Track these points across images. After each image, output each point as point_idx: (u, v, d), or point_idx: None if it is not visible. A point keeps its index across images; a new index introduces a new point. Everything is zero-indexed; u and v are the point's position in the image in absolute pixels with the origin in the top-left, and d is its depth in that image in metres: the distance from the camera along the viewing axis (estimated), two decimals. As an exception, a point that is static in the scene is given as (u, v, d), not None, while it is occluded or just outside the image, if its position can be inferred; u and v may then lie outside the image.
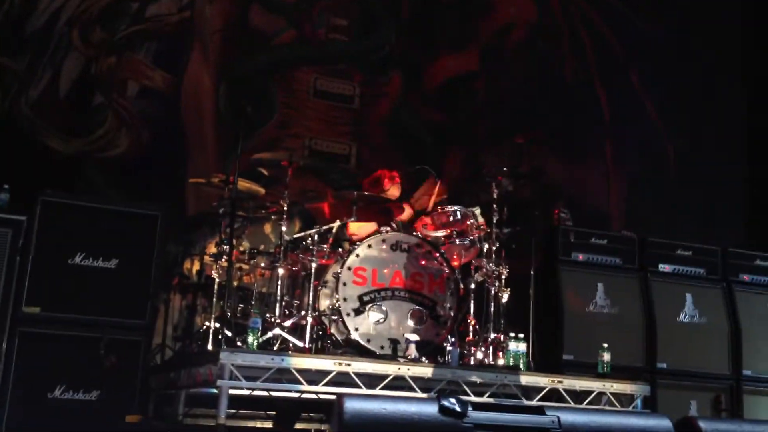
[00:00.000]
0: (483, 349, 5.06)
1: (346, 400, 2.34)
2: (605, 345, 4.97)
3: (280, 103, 6.88)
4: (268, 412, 5.45)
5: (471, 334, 5.22)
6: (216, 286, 5.17)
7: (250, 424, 5.95)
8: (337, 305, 4.70)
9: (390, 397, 2.47)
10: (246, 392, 4.31)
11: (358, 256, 4.81)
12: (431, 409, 2.42)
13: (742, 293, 6.26)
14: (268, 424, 5.81)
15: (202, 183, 5.41)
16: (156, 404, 5.27)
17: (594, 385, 4.64)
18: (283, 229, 5.01)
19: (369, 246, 4.87)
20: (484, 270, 5.27)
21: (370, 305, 4.74)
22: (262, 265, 5.38)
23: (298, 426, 5.79)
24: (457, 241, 5.18)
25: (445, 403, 2.41)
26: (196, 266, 6.27)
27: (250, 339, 4.28)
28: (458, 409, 2.41)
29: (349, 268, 4.78)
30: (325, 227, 5.13)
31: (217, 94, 6.72)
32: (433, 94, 7.41)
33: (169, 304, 6.02)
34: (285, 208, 5.00)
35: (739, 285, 6.29)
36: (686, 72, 7.93)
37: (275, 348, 4.65)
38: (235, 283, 5.34)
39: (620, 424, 2.65)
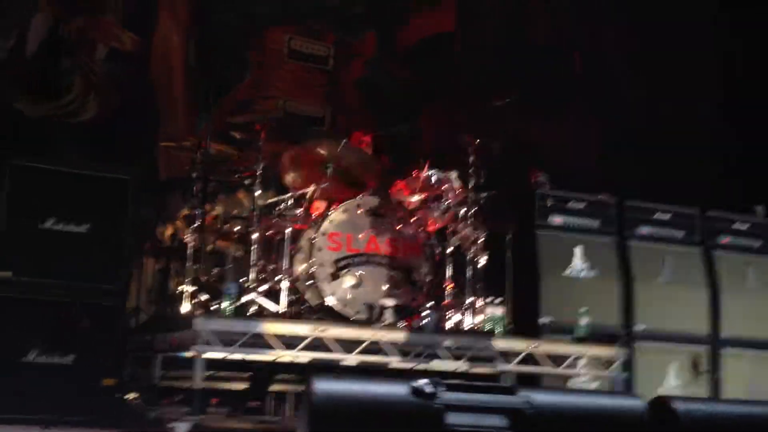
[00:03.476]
0: (460, 313, 5.05)
1: (315, 382, 2.29)
2: (582, 309, 4.94)
3: (253, 63, 6.74)
4: (244, 374, 5.41)
5: (448, 298, 5.21)
6: (190, 251, 5.09)
7: (226, 385, 5.94)
8: (312, 270, 4.63)
9: (361, 378, 2.42)
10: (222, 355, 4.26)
11: (332, 221, 4.74)
12: (402, 390, 2.38)
13: (721, 256, 6.27)
14: (244, 385, 5.81)
15: (173, 146, 5.31)
16: (132, 367, 5.22)
17: (571, 350, 4.64)
18: (257, 193, 4.92)
19: (344, 211, 4.80)
20: (461, 234, 5.23)
21: (345, 270, 4.67)
22: (236, 229, 5.30)
23: (275, 387, 5.79)
24: (433, 205, 5.12)
25: (416, 384, 2.37)
26: (169, 231, 6.18)
27: (225, 304, 4.22)
28: (428, 390, 2.38)
29: (324, 234, 4.72)
30: (299, 192, 5.06)
31: (187, 53, 6.56)
32: (409, 54, 7.28)
33: (143, 268, 5.96)
34: (259, 173, 4.91)
35: (717, 249, 6.29)
36: (660, 23, 7.81)
37: (251, 312, 4.60)
38: (209, 248, 5.27)
39: (593, 404, 2.63)
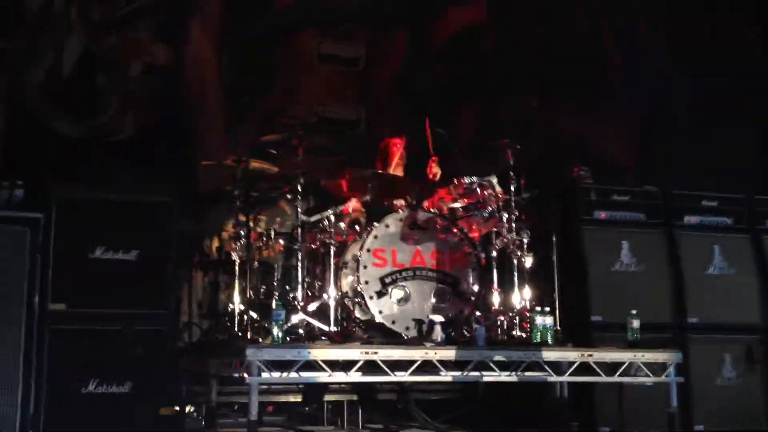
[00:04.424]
0: (509, 319, 5.03)
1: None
2: (634, 312, 4.89)
3: (284, 69, 6.70)
4: (299, 385, 5.47)
5: (496, 304, 5.19)
6: (237, 265, 5.12)
7: (282, 398, 6.03)
8: (359, 288, 4.64)
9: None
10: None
11: (376, 237, 4.73)
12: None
13: (772, 239, 6.14)
14: (299, 398, 5.89)
15: (213, 165, 5.33)
16: (187, 386, 5.30)
17: (625, 356, 4.59)
18: (299, 209, 4.93)
19: (387, 226, 4.78)
20: (505, 239, 5.19)
21: (392, 286, 4.67)
22: (281, 242, 5.32)
23: (328, 397, 5.86)
24: (476, 213, 5.08)
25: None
26: (216, 243, 6.25)
27: (275, 331, 4.25)
28: None
29: (369, 250, 4.71)
30: (340, 207, 5.07)
31: (220, 66, 6.55)
32: (442, 51, 7.17)
33: (192, 282, 6.02)
34: (299, 189, 4.92)
35: (766, 233, 6.16)
36: (699, 8, 7.59)
37: (301, 331, 4.63)
38: (255, 264, 5.30)
39: None
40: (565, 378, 4.52)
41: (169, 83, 6.44)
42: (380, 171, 5.47)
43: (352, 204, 5.36)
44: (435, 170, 5.47)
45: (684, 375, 4.80)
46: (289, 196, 5.49)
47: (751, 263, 6.03)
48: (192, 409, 5.61)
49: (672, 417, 4.55)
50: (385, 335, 4.57)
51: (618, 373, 4.51)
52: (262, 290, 5.27)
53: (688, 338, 5.67)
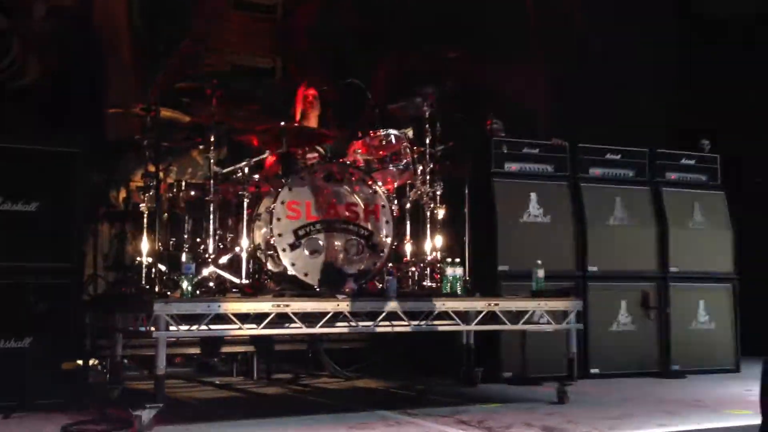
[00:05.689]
0: (420, 270, 5.15)
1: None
2: (539, 262, 5.06)
3: (198, 15, 6.50)
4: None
5: (409, 256, 5.30)
6: (145, 216, 5.03)
7: (191, 350, 6.04)
8: (272, 241, 4.64)
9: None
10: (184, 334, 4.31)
11: (290, 189, 4.71)
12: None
13: (671, 192, 6.43)
14: (195, 350, 5.93)
15: (121, 112, 5.17)
16: (92, 340, 5.22)
17: (529, 305, 4.76)
18: (212, 160, 4.86)
19: (301, 178, 4.77)
20: (419, 191, 5.28)
21: (305, 239, 4.68)
22: (192, 194, 5.25)
23: (227, 349, 5.91)
24: (392, 165, 5.14)
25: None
26: (123, 194, 6.11)
27: (185, 285, 4.20)
28: None
29: (282, 202, 4.68)
30: (255, 159, 5.02)
31: (131, 11, 6.29)
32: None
33: (98, 234, 5.87)
34: (212, 139, 4.85)
35: (666, 185, 6.45)
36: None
37: (211, 284, 4.62)
38: (165, 215, 5.22)
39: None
40: (472, 327, 4.68)
41: (76, 26, 6.14)
42: (296, 122, 5.44)
43: (266, 155, 5.33)
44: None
45: (583, 322, 5.03)
46: (201, 147, 5.43)
47: (650, 214, 6.33)
48: (96, 362, 5.55)
49: (571, 362, 4.78)
50: (298, 288, 4.60)
51: (522, 321, 4.68)
52: (171, 242, 5.20)
53: (588, 286, 5.97)
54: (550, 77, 7.64)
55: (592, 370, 5.83)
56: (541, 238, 5.87)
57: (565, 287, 5.37)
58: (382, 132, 5.20)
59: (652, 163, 6.47)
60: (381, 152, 5.22)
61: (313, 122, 5.69)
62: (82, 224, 4.99)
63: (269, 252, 4.69)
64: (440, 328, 4.57)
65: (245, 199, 4.79)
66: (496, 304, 4.66)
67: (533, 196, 5.98)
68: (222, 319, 4.13)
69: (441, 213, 5.32)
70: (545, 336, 5.24)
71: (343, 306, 4.30)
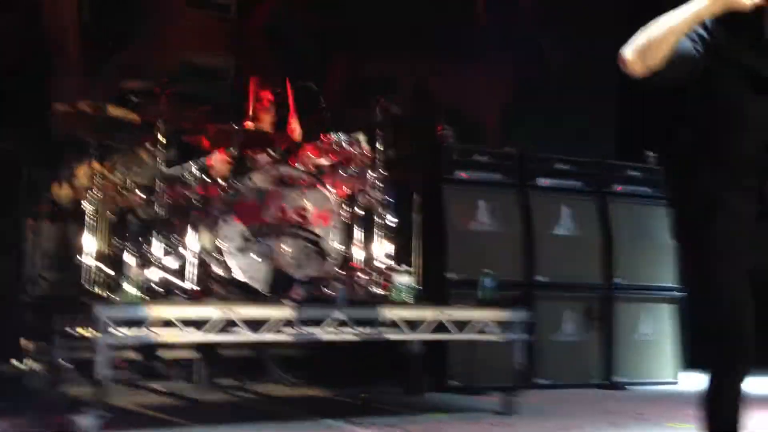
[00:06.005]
0: (370, 277, 5.12)
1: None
2: (486, 270, 5.08)
3: (150, 12, 6.37)
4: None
5: (358, 262, 5.27)
6: (88, 216, 4.91)
7: (120, 354, 5.89)
8: (219, 244, 4.56)
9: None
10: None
11: (239, 191, 4.65)
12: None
13: (617, 204, 6.52)
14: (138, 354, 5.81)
15: (68, 110, 5.03)
16: (30, 342, 5.07)
17: (475, 315, 4.78)
18: (159, 160, 4.77)
19: (251, 179, 4.71)
20: (370, 197, 5.25)
21: (253, 243, 4.62)
22: (138, 193, 5.14)
23: (169, 354, 5.80)
24: (342, 170, 5.11)
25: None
26: (65, 190, 5.94)
27: (128, 287, 4.11)
28: None
29: (230, 205, 4.62)
30: (204, 159, 4.95)
31: (81, 6, 6.13)
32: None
33: (38, 233, 5.72)
34: (160, 139, 4.76)
35: (612, 196, 6.54)
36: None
37: (156, 288, 4.53)
38: (109, 215, 5.11)
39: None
40: (419, 335, 4.66)
41: (23, 20, 5.96)
42: (248, 123, 5.37)
43: (216, 157, 5.25)
44: (294, 126, 5.43)
45: (529, 332, 5.07)
46: (148, 146, 5.31)
47: (596, 225, 6.42)
48: (34, 365, 5.40)
49: (517, 372, 4.81)
50: (245, 292, 4.54)
51: (465, 330, 4.70)
52: (115, 243, 5.09)
53: (534, 296, 6.02)
54: (503, 86, 7.69)
55: (538, 381, 5.88)
56: (490, 247, 5.91)
57: (513, 296, 5.40)
58: (333, 136, 5.17)
59: (600, 174, 6.56)
60: (332, 156, 5.18)
61: (266, 125, 5.62)
62: (21, 221, 4.85)
63: (217, 256, 4.62)
64: (388, 336, 4.55)
65: (193, 201, 4.72)
66: (443, 313, 4.65)
67: (482, 204, 6.01)
68: (166, 323, 4.05)
69: (391, 220, 5.31)
70: (492, 345, 5.25)
71: (290, 312, 4.26)
